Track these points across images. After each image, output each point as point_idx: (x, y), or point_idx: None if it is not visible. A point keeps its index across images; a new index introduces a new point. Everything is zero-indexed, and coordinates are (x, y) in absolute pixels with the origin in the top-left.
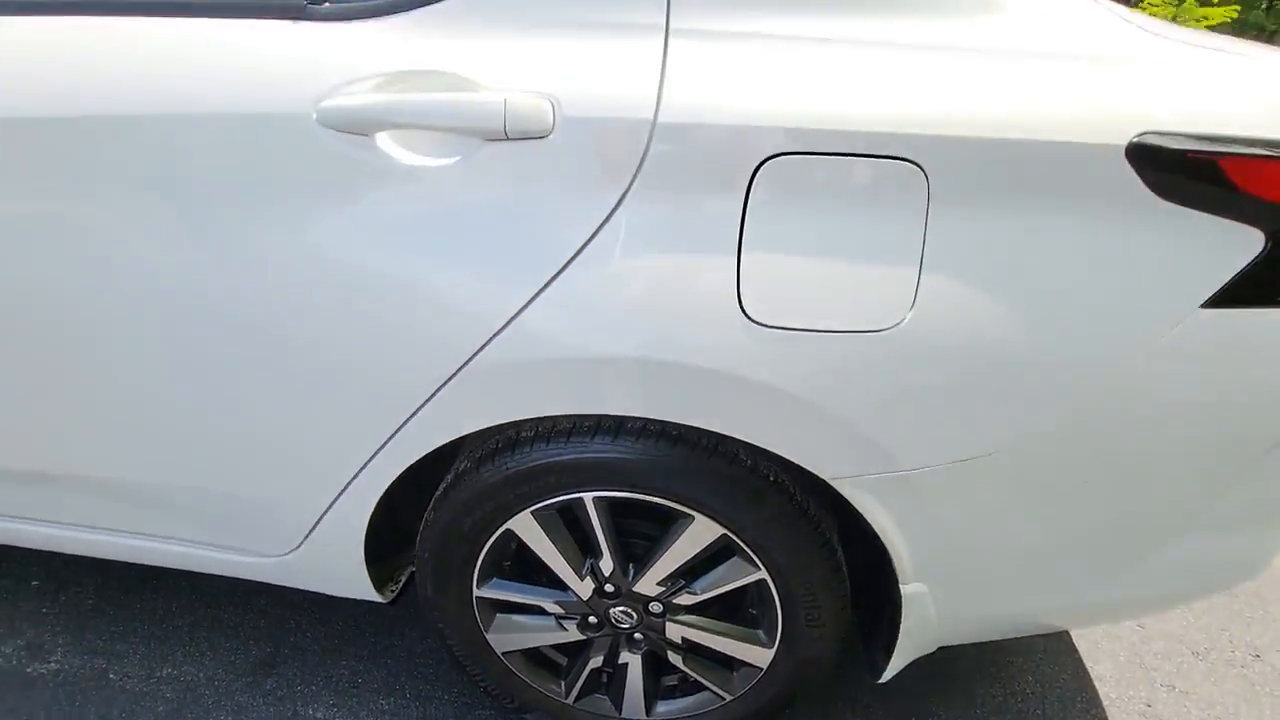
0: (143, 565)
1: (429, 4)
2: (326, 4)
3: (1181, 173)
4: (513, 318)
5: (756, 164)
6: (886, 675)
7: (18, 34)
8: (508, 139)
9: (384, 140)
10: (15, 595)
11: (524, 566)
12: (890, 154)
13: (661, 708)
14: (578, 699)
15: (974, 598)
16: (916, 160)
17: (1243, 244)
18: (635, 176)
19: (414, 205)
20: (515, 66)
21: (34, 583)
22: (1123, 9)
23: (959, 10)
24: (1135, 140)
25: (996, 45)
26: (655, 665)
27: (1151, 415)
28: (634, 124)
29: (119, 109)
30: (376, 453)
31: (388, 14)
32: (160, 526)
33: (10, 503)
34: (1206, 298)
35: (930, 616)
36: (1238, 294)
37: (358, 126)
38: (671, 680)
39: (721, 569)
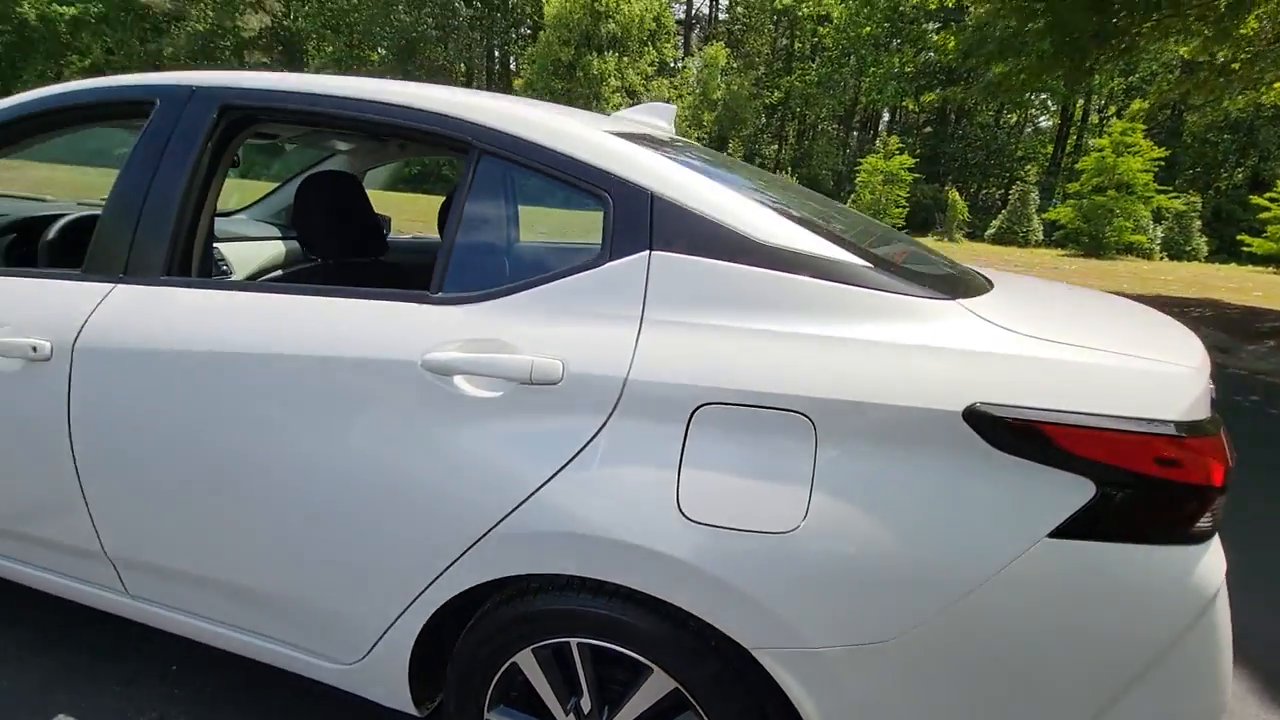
0: (252, 669)
1: (497, 298)
2: (439, 294)
3: (1009, 433)
4: (521, 502)
5: (692, 409)
6: None
7: (232, 302)
8: (532, 384)
9: (459, 380)
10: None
11: (528, 698)
12: (785, 408)
13: None
14: None
15: None
16: (807, 414)
17: (1079, 488)
18: (612, 412)
19: (471, 423)
20: (543, 339)
21: (173, 667)
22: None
23: (850, 313)
24: (968, 407)
25: (875, 338)
26: None
27: (1011, 628)
28: (613, 379)
29: (309, 351)
30: (423, 591)
31: (472, 302)
32: (266, 627)
33: (162, 592)
34: (1052, 528)
35: None
36: (1078, 529)
37: (444, 370)
38: None
39: None
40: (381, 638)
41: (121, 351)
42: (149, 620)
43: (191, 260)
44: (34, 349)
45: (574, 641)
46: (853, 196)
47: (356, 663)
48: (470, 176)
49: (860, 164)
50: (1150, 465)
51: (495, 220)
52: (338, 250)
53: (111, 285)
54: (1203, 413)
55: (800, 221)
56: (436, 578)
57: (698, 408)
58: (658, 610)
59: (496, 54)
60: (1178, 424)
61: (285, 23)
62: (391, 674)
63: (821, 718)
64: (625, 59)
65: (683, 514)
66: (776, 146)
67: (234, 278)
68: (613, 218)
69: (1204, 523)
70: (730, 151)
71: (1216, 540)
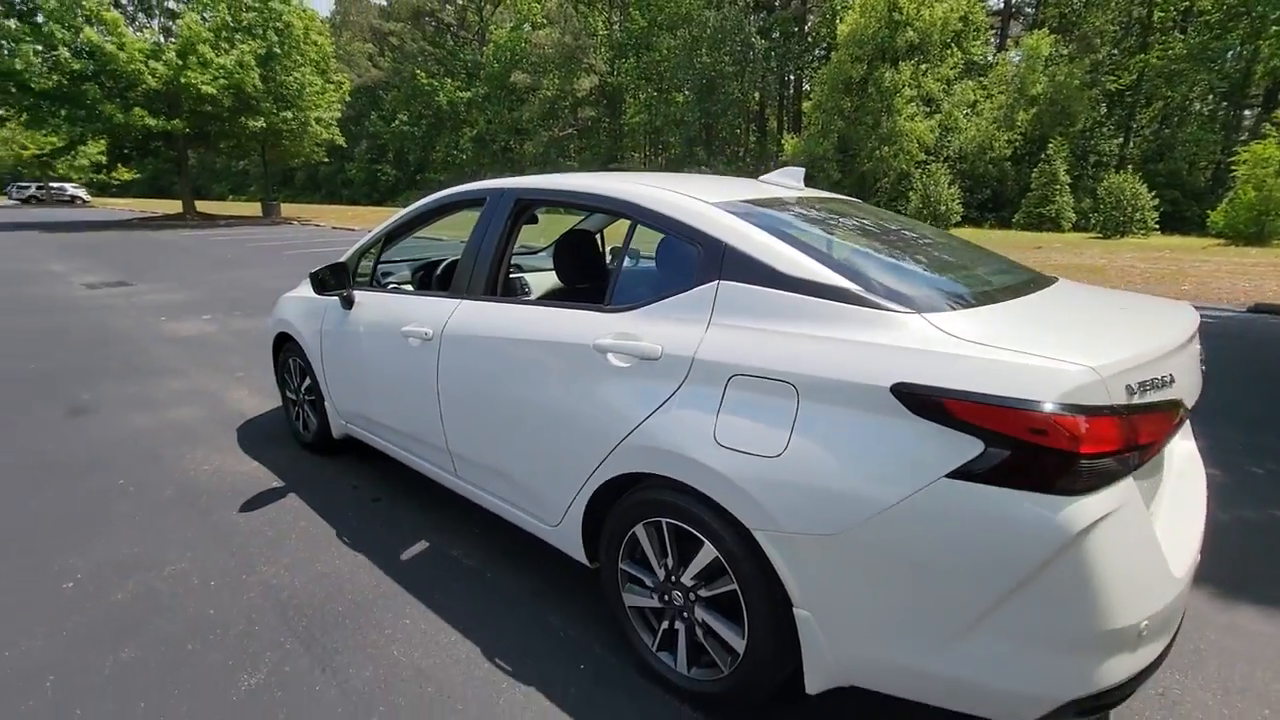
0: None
1: (635, 309)
2: (608, 306)
3: (920, 402)
4: (634, 428)
5: (727, 378)
6: (810, 687)
7: (515, 310)
8: (645, 359)
9: (610, 356)
10: (469, 533)
11: (641, 555)
12: (781, 379)
13: (693, 671)
14: (656, 649)
15: (847, 637)
16: (794, 384)
17: (971, 445)
18: (685, 378)
19: (613, 381)
20: (654, 333)
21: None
22: (964, 316)
23: (830, 320)
24: (894, 384)
25: (844, 337)
26: (693, 638)
27: (916, 536)
28: (686, 358)
29: (544, 338)
30: (585, 481)
31: (622, 311)
32: (517, 500)
33: (472, 474)
34: (949, 470)
35: (820, 641)
36: (970, 474)
37: (603, 350)
38: (703, 653)
39: (720, 579)
40: (567, 510)
41: (463, 338)
42: (464, 493)
43: (498, 286)
44: (427, 334)
45: (664, 521)
46: (1229, 197)
47: (556, 526)
48: (629, 235)
49: (1236, 153)
50: (1024, 432)
51: (635, 262)
52: (572, 279)
53: (459, 301)
54: (1095, 399)
55: (820, 256)
56: (593, 473)
57: (731, 377)
58: (705, 502)
59: (791, 78)
60: (1052, 404)
61: (609, 80)
62: (574, 535)
63: (794, 582)
64: (925, 65)
65: (716, 441)
66: (1121, 140)
67: (528, 296)
68: (699, 259)
69: (1073, 480)
70: (1050, 153)
71: (1109, 493)
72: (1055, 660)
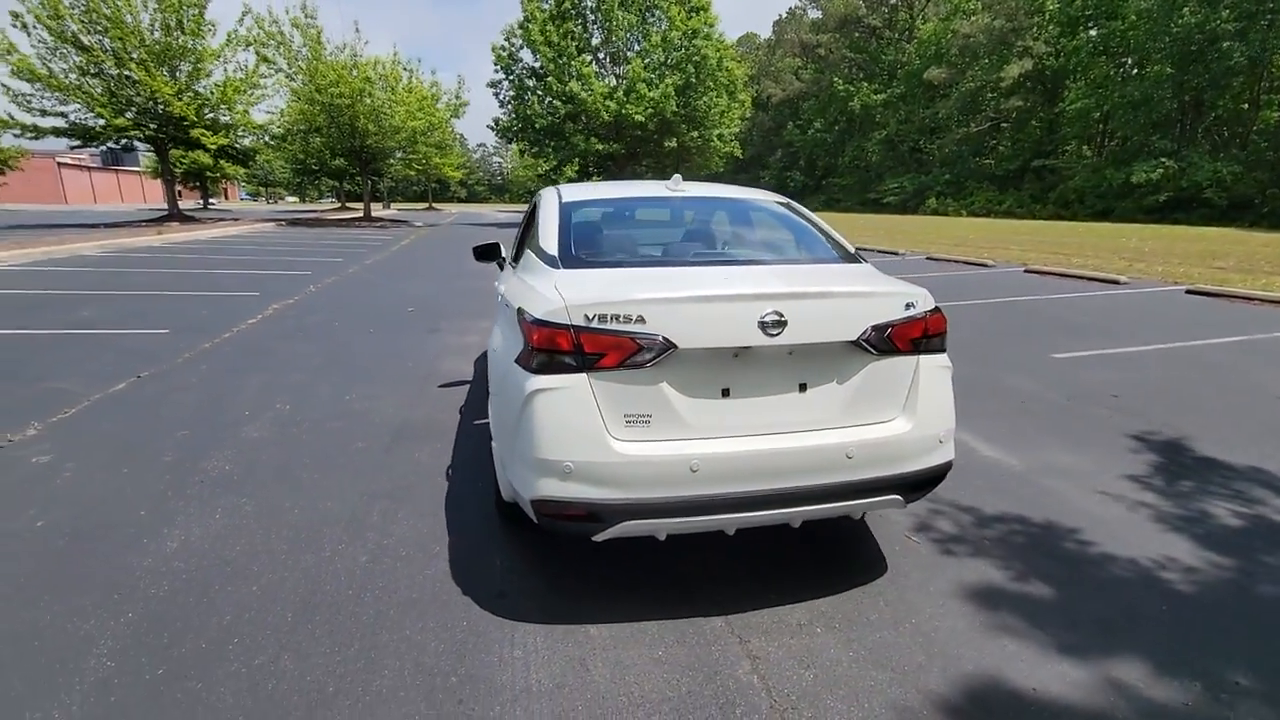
0: None
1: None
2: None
3: (519, 317)
4: (496, 340)
5: (502, 304)
6: (503, 497)
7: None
8: (502, 298)
9: (500, 298)
10: None
11: None
12: (508, 304)
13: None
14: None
15: (502, 461)
16: (510, 305)
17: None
18: (500, 306)
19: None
20: (506, 283)
21: None
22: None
23: (538, 273)
24: (517, 308)
25: (531, 282)
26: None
27: (510, 396)
28: (501, 294)
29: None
30: None
31: (511, 270)
32: None
33: None
34: (513, 356)
35: (499, 465)
36: (517, 357)
37: (499, 293)
38: None
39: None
40: None
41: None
42: None
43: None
44: None
45: None
46: None
47: None
48: (526, 220)
49: None
50: (525, 333)
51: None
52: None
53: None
54: (557, 320)
55: (568, 236)
56: None
57: (502, 304)
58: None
59: None
60: (531, 319)
61: (1046, 62)
62: None
63: (491, 423)
64: None
65: (493, 343)
66: None
67: None
68: (531, 236)
69: (532, 363)
70: None
71: (556, 377)
72: (526, 472)
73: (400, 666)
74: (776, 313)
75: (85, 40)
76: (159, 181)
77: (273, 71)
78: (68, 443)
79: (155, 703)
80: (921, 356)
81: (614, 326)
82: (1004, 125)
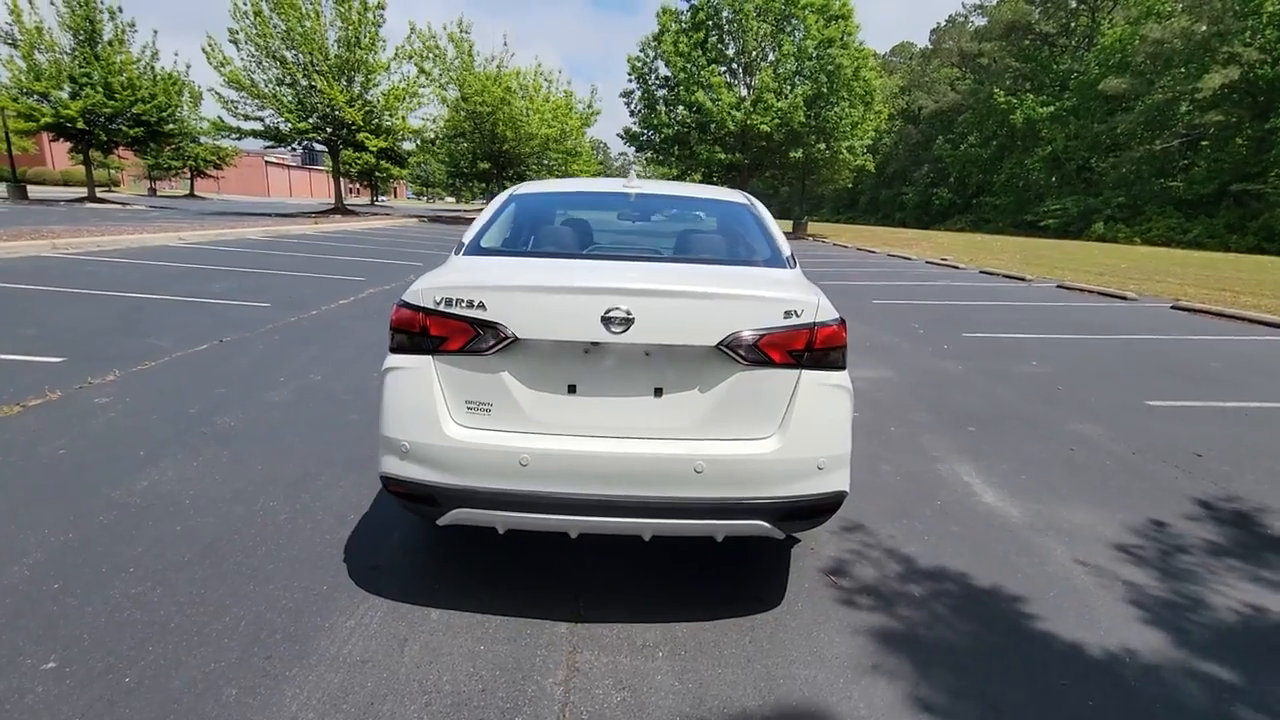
0: None
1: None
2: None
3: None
4: None
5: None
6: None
7: None
8: None
9: None
10: None
11: None
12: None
13: None
14: None
15: None
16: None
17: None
18: None
19: None
20: None
21: None
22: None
23: (453, 259)
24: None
25: (449, 263)
26: None
27: None
28: None
29: None
30: None
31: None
32: None
33: None
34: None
35: None
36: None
37: None
38: None
39: None
40: None
41: None
42: None
43: None
44: None
45: None
46: None
47: None
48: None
49: None
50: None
51: None
52: None
53: None
54: (417, 301)
55: (496, 227)
56: None
57: None
58: None
59: None
60: (401, 300)
61: (1258, 71)
62: None
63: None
64: None
65: None
66: None
67: None
68: None
69: (393, 340)
70: None
71: (405, 357)
72: (380, 449)
73: (241, 616)
74: (621, 309)
75: (285, 55)
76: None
77: (429, 82)
78: (130, 389)
79: (35, 610)
80: (805, 371)
81: (457, 311)
82: (1201, 143)
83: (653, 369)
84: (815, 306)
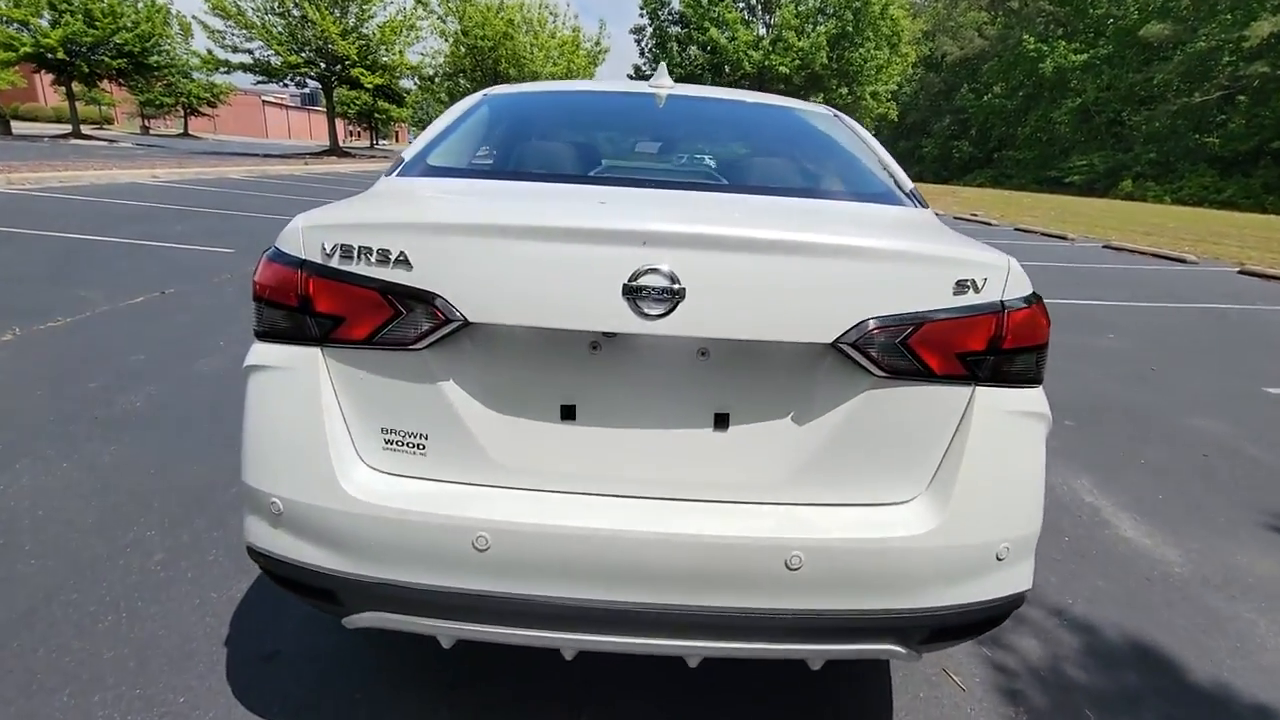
0: None
1: None
2: None
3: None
4: None
5: None
6: None
7: None
8: None
9: None
10: None
11: None
12: None
13: None
14: None
15: None
16: None
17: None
18: None
19: None
20: None
21: None
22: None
23: None
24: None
25: None
26: None
27: None
28: None
29: None
30: None
31: None
32: None
33: None
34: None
35: None
36: None
37: None
38: None
39: None
40: None
41: None
42: None
43: None
44: None
45: None
46: None
47: None
48: None
49: None
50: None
51: None
52: None
53: None
54: (290, 249)
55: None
56: None
57: None
58: None
59: None
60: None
61: None
62: None
63: None
64: None
65: None
66: None
67: None
68: None
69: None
70: None
71: (271, 347)
72: (243, 507)
73: None
74: (662, 272)
75: None
76: (341, 120)
77: (427, 14)
78: (23, 354)
79: None
80: (981, 389)
81: (360, 270)
82: (1239, 98)
83: (713, 381)
84: (1005, 272)
